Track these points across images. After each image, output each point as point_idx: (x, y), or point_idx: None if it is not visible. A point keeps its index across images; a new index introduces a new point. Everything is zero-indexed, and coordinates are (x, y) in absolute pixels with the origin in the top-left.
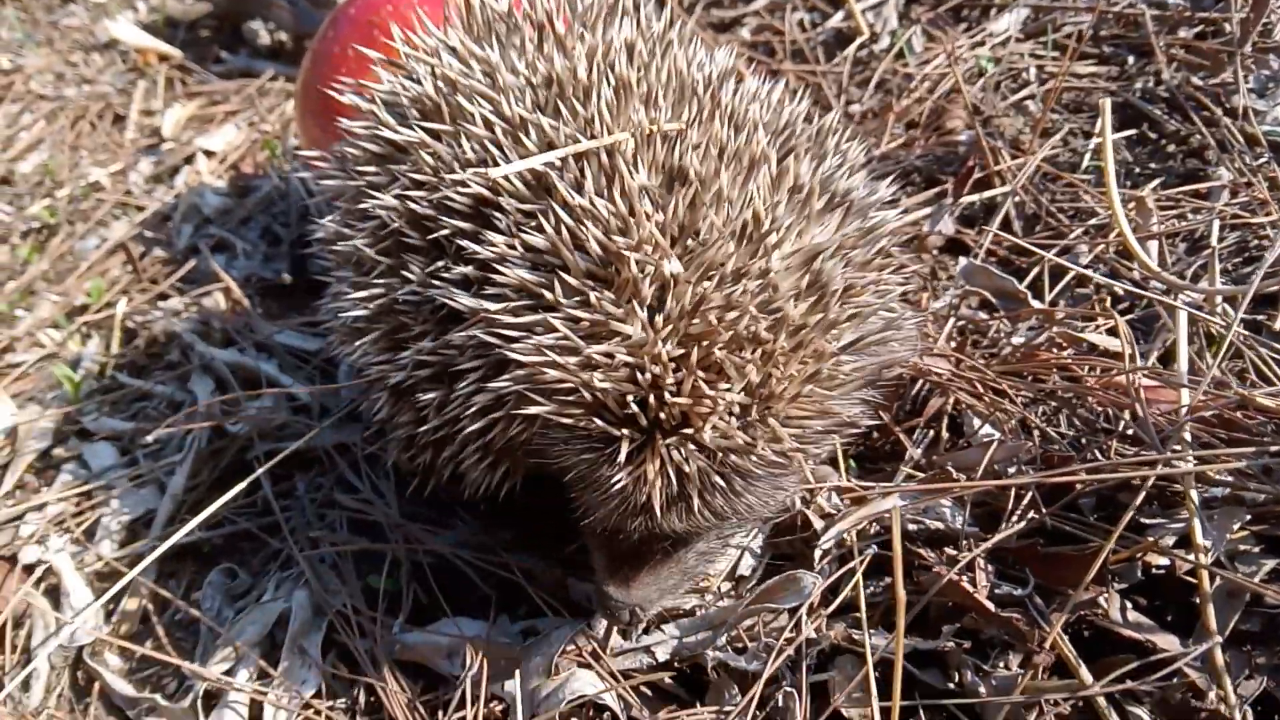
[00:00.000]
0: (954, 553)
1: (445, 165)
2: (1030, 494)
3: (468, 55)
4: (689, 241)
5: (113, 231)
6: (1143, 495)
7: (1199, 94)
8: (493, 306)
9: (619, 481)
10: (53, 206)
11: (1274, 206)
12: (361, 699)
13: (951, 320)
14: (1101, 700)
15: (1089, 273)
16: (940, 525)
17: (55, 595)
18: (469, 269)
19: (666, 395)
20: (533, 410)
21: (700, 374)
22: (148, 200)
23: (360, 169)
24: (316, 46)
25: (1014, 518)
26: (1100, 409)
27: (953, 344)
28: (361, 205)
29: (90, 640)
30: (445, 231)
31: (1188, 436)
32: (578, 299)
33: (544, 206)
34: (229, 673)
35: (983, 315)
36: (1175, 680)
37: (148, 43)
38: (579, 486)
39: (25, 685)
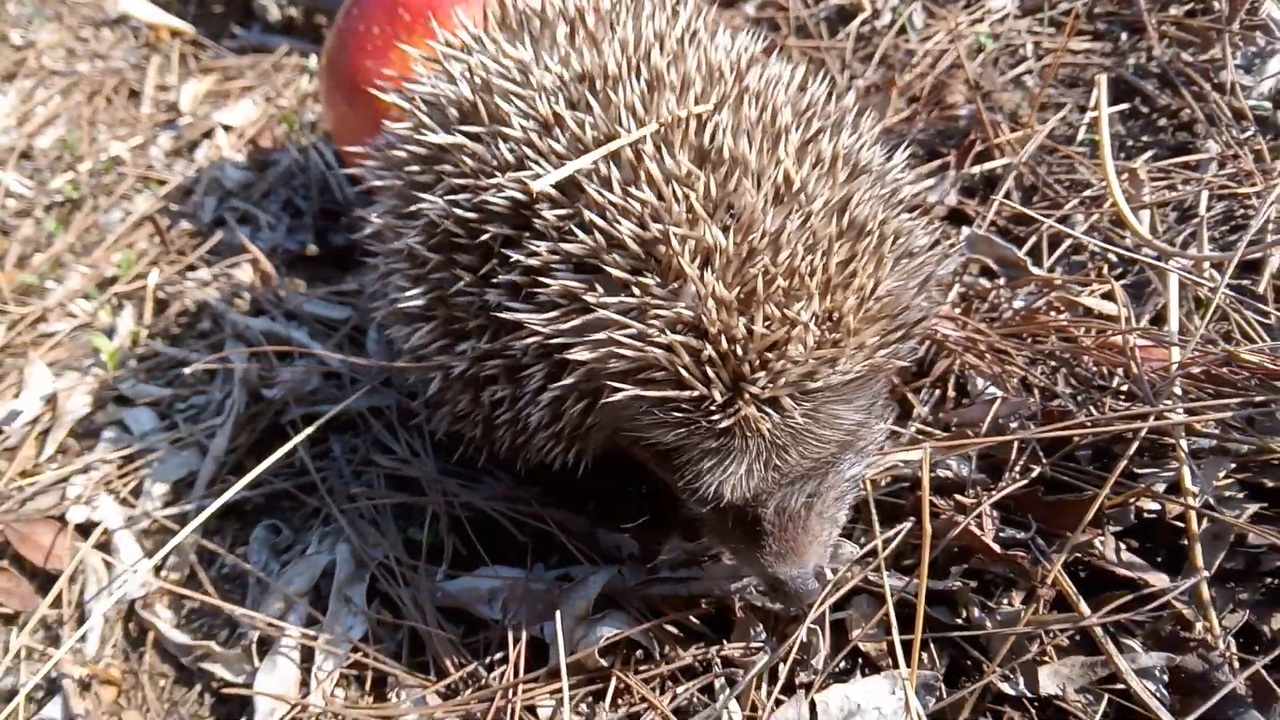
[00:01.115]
0: (962, 499)
1: (485, 168)
2: (1031, 447)
3: (500, 54)
4: (725, 216)
5: (136, 205)
6: (1135, 446)
7: (1189, 70)
8: (539, 318)
9: (723, 428)
10: (75, 181)
11: (1259, 178)
12: (406, 643)
13: (957, 286)
14: (1098, 631)
15: (1086, 239)
16: (949, 474)
17: (105, 552)
18: (516, 275)
19: (739, 339)
20: (618, 396)
21: (766, 309)
22: (169, 174)
23: (407, 169)
24: (341, 24)
25: (1017, 468)
26: (1096, 367)
27: (958, 309)
28: (410, 207)
29: (142, 594)
30: (488, 235)
31: (1178, 391)
32: (623, 293)
33: (574, 210)
34: (279, 620)
35: (984, 282)
36: (1165, 613)
37: (159, 18)
38: (690, 467)
39: (82, 638)
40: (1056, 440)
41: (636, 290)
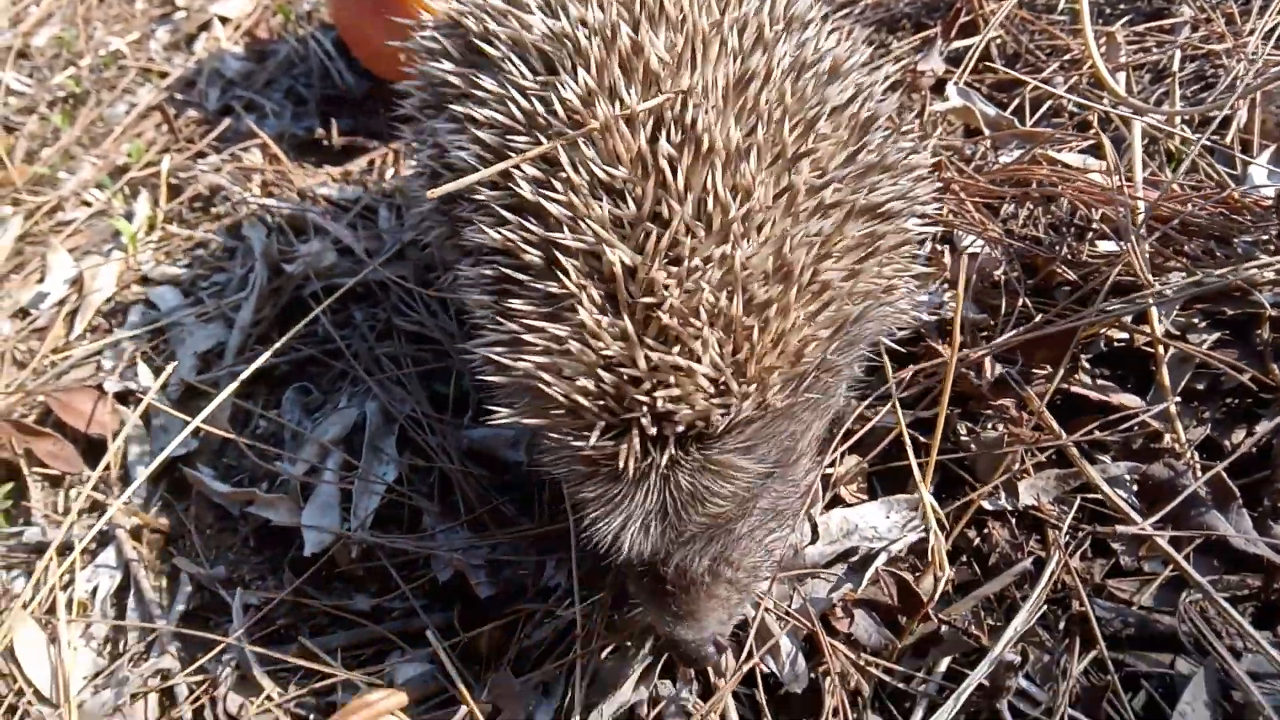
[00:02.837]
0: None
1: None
2: (1020, 295)
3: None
4: (640, 237)
5: (140, 98)
6: (1110, 281)
7: None
8: (476, 343)
9: (611, 471)
10: (76, 76)
11: (1229, 38)
12: (436, 486)
13: (938, 133)
14: (1074, 450)
15: (1065, 96)
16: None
17: (143, 416)
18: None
19: (626, 371)
20: (500, 420)
21: (658, 343)
22: (169, 67)
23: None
24: None
25: (1011, 311)
26: (1074, 208)
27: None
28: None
29: (183, 452)
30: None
31: (1144, 231)
32: (525, 303)
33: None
34: (317, 466)
35: (971, 147)
36: (1135, 430)
37: None
38: (588, 513)
39: (126, 483)
40: (1039, 280)
41: (523, 303)
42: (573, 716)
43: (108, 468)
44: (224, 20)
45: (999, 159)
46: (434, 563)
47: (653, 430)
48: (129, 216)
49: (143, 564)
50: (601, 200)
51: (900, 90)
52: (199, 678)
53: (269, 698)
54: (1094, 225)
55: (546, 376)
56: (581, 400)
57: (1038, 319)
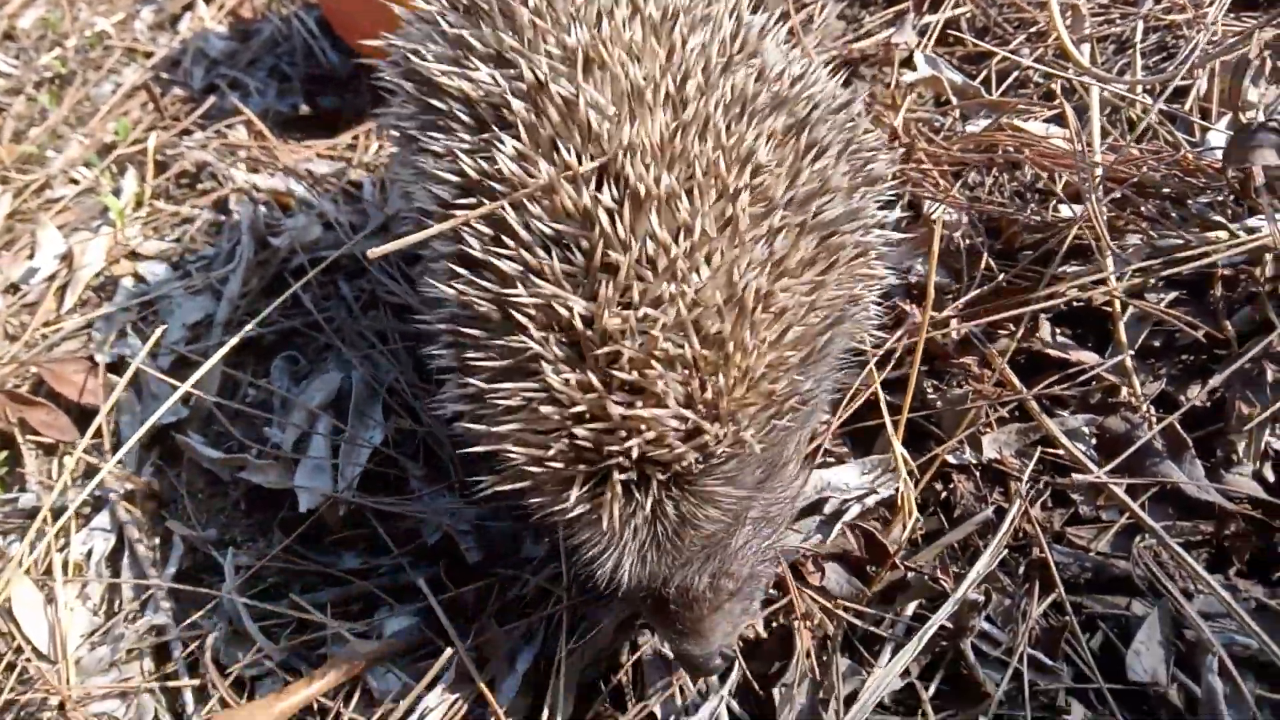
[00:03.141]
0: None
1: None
2: (984, 256)
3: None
4: (595, 283)
5: (125, 77)
6: (1068, 243)
7: None
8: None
9: (598, 517)
10: (62, 57)
11: (1190, 8)
12: (422, 450)
13: (906, 104)
14: (1034, 405)
15: (1032, 66)
16: (919, 279)
17: (135, 387)
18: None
19: (596, 421)
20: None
21: (628, 400)
22: (154, 47)
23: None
24: None
25: (975, 273)
26: (1037, 175)
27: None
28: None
29: (174, 419)
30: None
31: (1101, 193)
32: (485, 358)
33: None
34: (306, 432)
35: (939, 119)
36: (1094, 384)
37: None
38: (583, 550)
39: (122, 462)
40: (1002, 243)
41: (483, 357)
42: (555, 662)
43: (100, 434)
44: (208, 0)
45: (966, 129)
46: (423, 527)
47: (633, 476)
48: (117, 193)
49: (136, 527)
50: (551, 254)
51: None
52: (192, 633)
53: (260, 650)
54: (1056, 190)
55: (516, 446)
56: (557, 462)
57: (1002, 279)
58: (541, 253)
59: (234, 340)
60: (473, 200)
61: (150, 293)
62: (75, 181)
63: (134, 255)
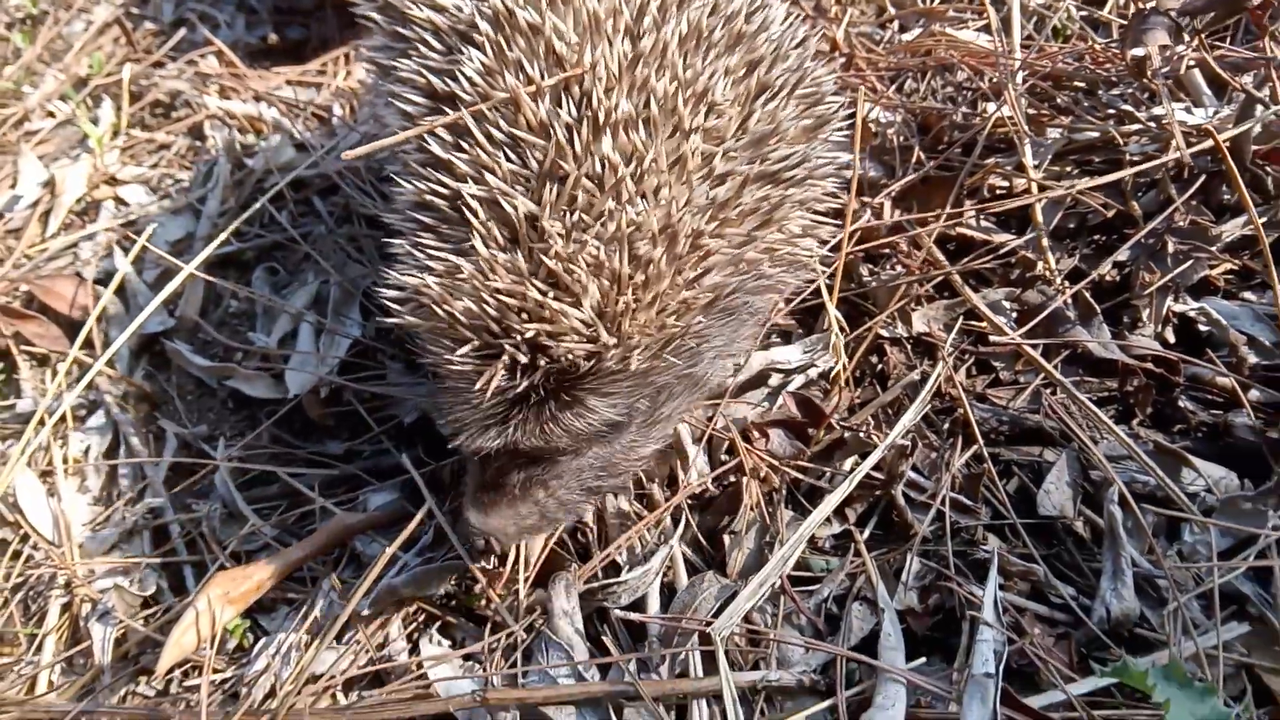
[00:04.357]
0: (866, 199)
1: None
2: (915, 150)
3: None
4: (546, 188)
5: (96, 15)
6: (988, 129)
7: None
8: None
9: (466, 369)
10: None
11: None
12: (398, 343)
13: (848, 18)
14: (957, 278)
15: None
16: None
17: (122, 297)
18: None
19: (514, 309)
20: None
21: (545, 289)
22: None
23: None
24: None
25: (907, 167)
26: (968, 77)
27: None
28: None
29: (161, 329)
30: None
31: (1020, 82)
32: (435, 241)
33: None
34: (290, 335)
35: (879, 33)
36: (1014, 259)
37: None
38: (446, 399)
39: (111, 363)
40: (934, 139)
41: (434, 240)
42: None
43: (91, 343)
44: None
45: (902, 39)
46: (400, 406)
47: (524, 359)
48: (95, 123)
49: (130, 425)
50: (505, 157)
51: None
52: (188, 516)
53: (254, 527)
54: (984, 88)
55: (436, 292)
56: (461, 318)
57: (929, 168)
58: (497, 154)
59: (212, 245)
60: (439, 110)
61: (132, 214)
62: (52, 115)
63: (114, 181)
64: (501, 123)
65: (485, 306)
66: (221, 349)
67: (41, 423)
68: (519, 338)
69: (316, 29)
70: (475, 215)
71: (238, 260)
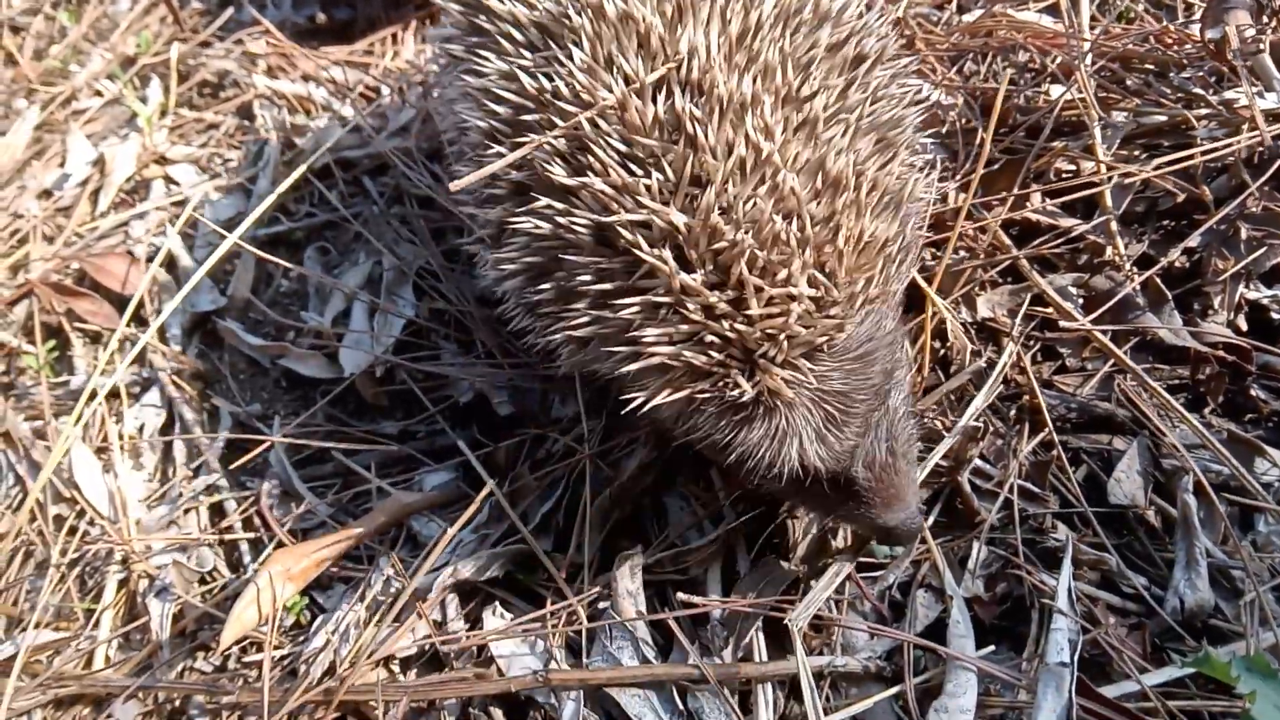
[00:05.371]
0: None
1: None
2: (979, 132)
3: None
4: (686, 196)
5: None
6: (1055, 116)
7: None
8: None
9: (762, 409)
10: None
11: None
12: (453, 325)
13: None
14: (1025, 264)
15: None
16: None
17: (174, 275)
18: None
19: (735, 318)
20: (643, 408)
21: (755, 284)
22: None
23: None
24: None
25: (970, 150)
26: (1030, 59)
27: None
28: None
29: (213, 307)
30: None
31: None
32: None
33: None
34: (343, 314)
35: (937, 14)
36: (1081, 244)
37: None
38: (759, 455)
39: (165, 341)
40: (1000, 121)
41: (588, 276)
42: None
43: (145, 321)
44: None
45: (963, 20)
46: (456, 387)
47: (784, 356)
48: (143, 102)
49: (184, 402)
50: (638, 171)
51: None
52: (244, 494)
53: (309, 505)
54: (1050, 69)
55: (664, 349)
56: (713, 355)
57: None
58: (630, 171)
59: (266, 203)
60: (534, 118)
61: (182, 193)
62: (100, 94)
63: (163, 160)
64: (614, 133)
65: (722, 334)
66: (274, 328)
67: (93, 396)
68: (770, 342)
69: (363, 9)
70: (638, 247)
71: (288, 240)
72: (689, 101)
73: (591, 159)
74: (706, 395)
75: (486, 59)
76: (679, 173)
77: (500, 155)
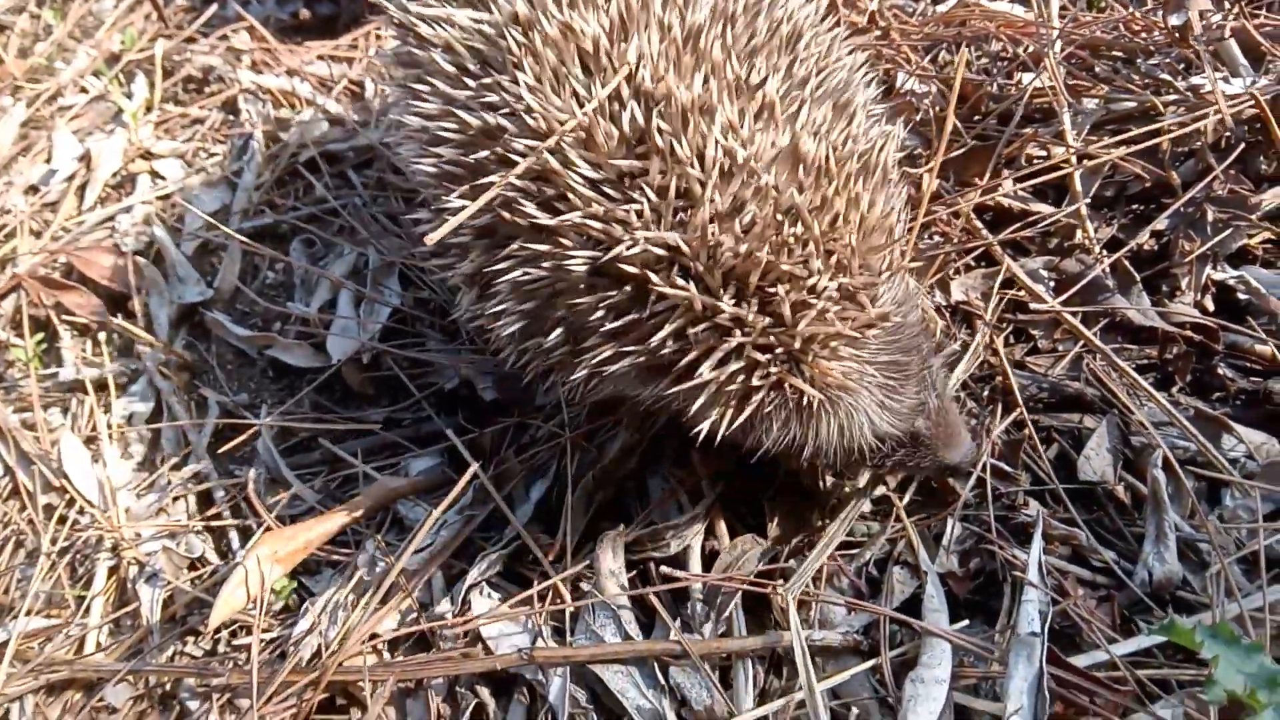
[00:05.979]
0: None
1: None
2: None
3: None
4: (677, 204)
5: None
6: (1028, 102)
7: None
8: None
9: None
10: None
11: None
12: (438, 312)
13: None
14: (998, 250)
15: None
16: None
17: (160, 269)
18: None
19: (766, 331)
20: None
21: (781, 289)
22: None
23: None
24: None
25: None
26: (1002, 48)
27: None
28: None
29: (200, 299)
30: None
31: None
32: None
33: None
34: (329, 304)
35: (912, 5)
36: (1052, 227)
37: None
38: (835, 444)
39: (154, 334)
40: (971, 108)
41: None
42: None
43: (132, 313)
44: None
45: (935, 10)
46: (441, 373)
47: (830, 350)
48: (128, 98)
49: (172, 393)
50: (615, 197)
51: None
52: (232, 481)
53: (296, 491)
54: (1019, 59)
55: (712, 373)
56: (763, 366)
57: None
58: (608, 197)
59: (252, 190)
60: (485, 155)
61: (168, 187)
62: (85, 90)
63: (149, 155)
64: (581, 160)
65: (761, 351)
66: (260, 320)
67: (86, 392)
68: (817, 339)
69: (347, 5)
70: (647, 281)
71: (273, 233)
72: (653, 114)
73: (565, 190)
74: (771, 406)
75: (421, 95)
76: (664, 191)
77: (460, 198)
